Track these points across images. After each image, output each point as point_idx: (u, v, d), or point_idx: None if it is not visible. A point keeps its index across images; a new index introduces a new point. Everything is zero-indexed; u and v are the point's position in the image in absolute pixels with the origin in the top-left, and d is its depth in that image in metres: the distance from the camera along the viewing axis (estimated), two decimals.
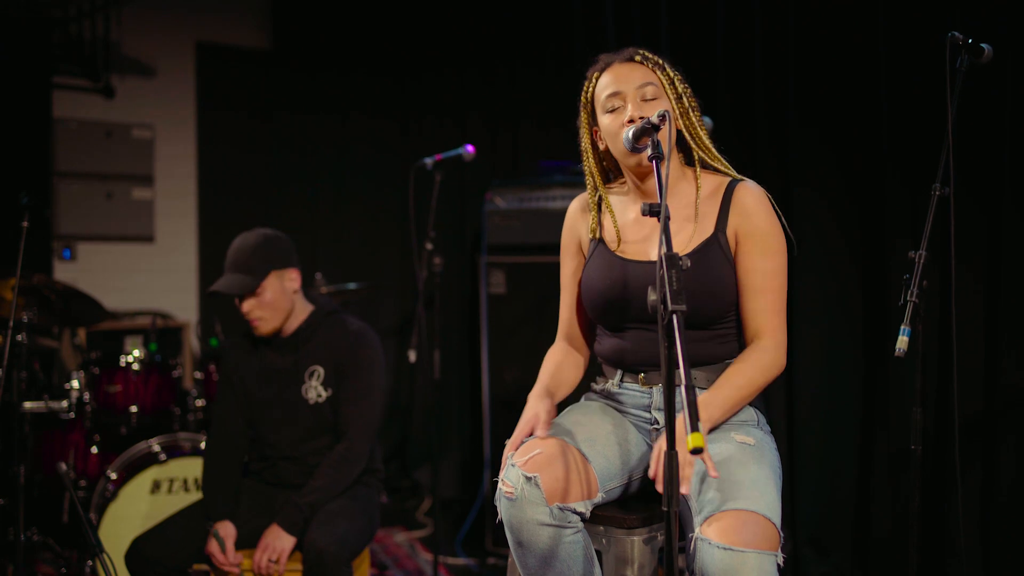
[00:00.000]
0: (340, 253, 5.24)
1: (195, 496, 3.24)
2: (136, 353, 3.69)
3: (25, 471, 2.75)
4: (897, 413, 3.10)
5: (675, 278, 1.50)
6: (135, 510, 3.23)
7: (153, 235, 5.01)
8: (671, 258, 1.51)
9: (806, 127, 3.32)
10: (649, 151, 1.72)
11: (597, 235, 2.09)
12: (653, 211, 1.62)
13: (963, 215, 2.78)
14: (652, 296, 1.53)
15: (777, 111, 3.39)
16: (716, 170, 2.04)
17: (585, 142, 2.10)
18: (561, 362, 2.15)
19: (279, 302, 2.82)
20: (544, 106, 4.37)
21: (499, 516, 1.83)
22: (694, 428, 1.38)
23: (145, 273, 4.95)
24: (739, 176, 2.03)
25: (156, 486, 3.27)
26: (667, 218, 1.58)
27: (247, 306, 2.81)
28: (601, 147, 2.08)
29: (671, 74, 2.00)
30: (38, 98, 4.63)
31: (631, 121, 1.92)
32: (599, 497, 1.88)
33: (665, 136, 1.73)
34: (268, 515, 2.76)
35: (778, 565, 1.68)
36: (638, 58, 1.99)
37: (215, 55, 5.12)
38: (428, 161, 3.45)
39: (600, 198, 2.11)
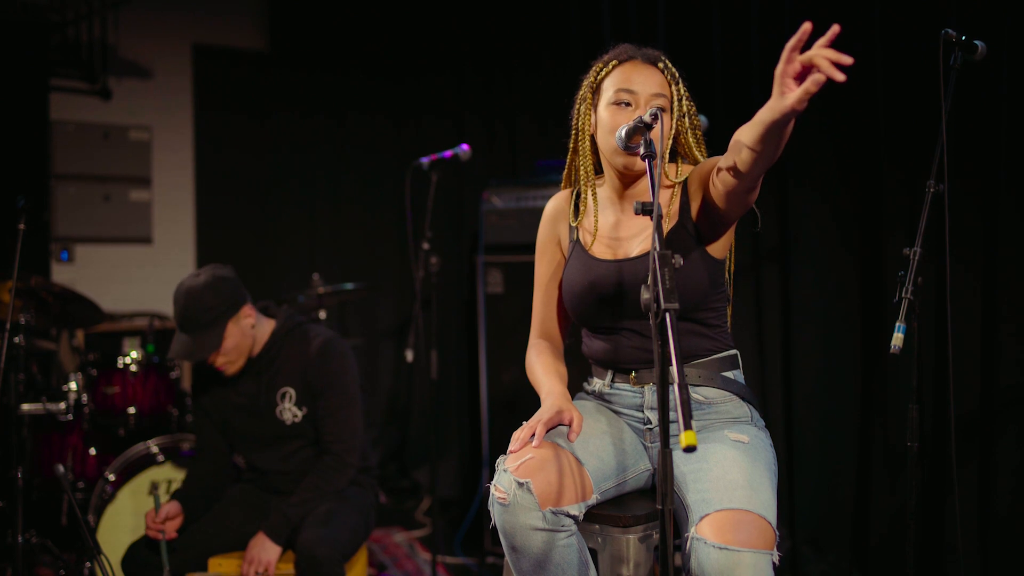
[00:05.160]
0: (337, 254, 5.25)
1: None
2: (134, 355, 3.69)
3: (23, 473, 2.76)
4: (895, 410, 3.11)
5: (668, 276, 1.50)
6: (133, 511, 3.23)
7: (151, 237, 5.01)
8: (663, 256, 1.51)
9: (803, 125, 3.31)
10: (642, 150, 1.72)
11: (576, 236, 2.07)
12: (646, 210, 1.62)
13: (961, 211, 2.79)
14: (645, 295, 1.52)
15: None
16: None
17: (583, 122, 2.04)
18: (554, 359, 2.14)
19: (242, 345, 2.77)
20: (541, 106, 4.37)
21: (492, 521, 1.83)
22: (687, 427, 1.38)
23: (143, 275, 4.95)
24: None
25: (154, 487, 3.27)
26: (659, 216, 1.58)
27: (211, 359, 2.74)
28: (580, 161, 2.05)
29: (682, 91, 1.99)
30: (36, 100, 4.63)
31: None
32: (593, 498, 1.87)
33: (658, 135, 1.72)
34: (261, 521, 2.77)
35: (774, 564, 1.68)
36: (660, 65, 1.97)
37: (212, 57, 5.13)
38: (424, 161, 3.45)
39: (578, 193, 2.10)
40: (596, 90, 2.02)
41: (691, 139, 2.02)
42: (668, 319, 1.47)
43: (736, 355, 2.05)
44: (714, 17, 3.53)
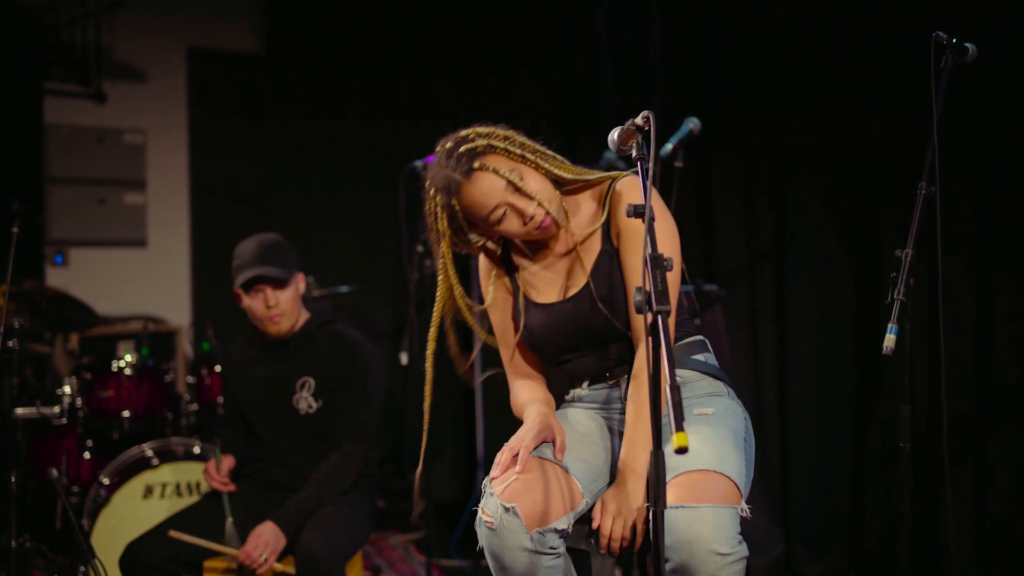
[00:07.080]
0: (333, 256, 5.24)
1: (188, 500, 3.24)
2: (128, 358, 3.69)
3: (18, 477, 2.75)
4: (890, 411, 3.11)
5: (660, 279, 1.50)
6: (128, 515, 3.22)
7: (145, 240, 5.00)
8: (655, 259, 1.51)
9: (799, 126, 3.32)
10: (634, 152, 1.73)
11: (517, 284, 2.09)
12: (638, 212, 1.62)
13: (955, 213, 2.78)
14: (638, 297, 1.53)
15: (770, 111, 3.39)
16: (596, 182, 2.03)
17: (450, 270, 2.03)
18: (538, 388, 2.13)
19: (296, 302, 2.87)
20: (538, 108, 4.37)
21: (479, 544, 1.83)
22: (679, 428, 1.38)
23: (137, 278, 4.94)
24: (616, 175, 2.02)
25: (149, 491, 3.27)
26: (652, 219, 1.58)
27: (274, 299, 2.79)
28: (490, 245, 2.06)
29: (506, 147, 1.94)
30: (30, 103, 4.63)
31: (531, 218, 1.91)
32: (583, 503, 1.86)
33: (651, 136, 1.72)
34: (259, 519, 2.76)
35: (742, 518, 1.67)
36: (477, 164, 1.90)
37: (207, 59, 5.12)
38: (419, 164, 3.44)
39: (505, 247, 2.11)
40: (457, 226, 1.97)
41: (551, 165, 1.98)
42: (660, 321, 1.47)
43: (705, 341, 2.05)
44: (712, 17, 3.53)
